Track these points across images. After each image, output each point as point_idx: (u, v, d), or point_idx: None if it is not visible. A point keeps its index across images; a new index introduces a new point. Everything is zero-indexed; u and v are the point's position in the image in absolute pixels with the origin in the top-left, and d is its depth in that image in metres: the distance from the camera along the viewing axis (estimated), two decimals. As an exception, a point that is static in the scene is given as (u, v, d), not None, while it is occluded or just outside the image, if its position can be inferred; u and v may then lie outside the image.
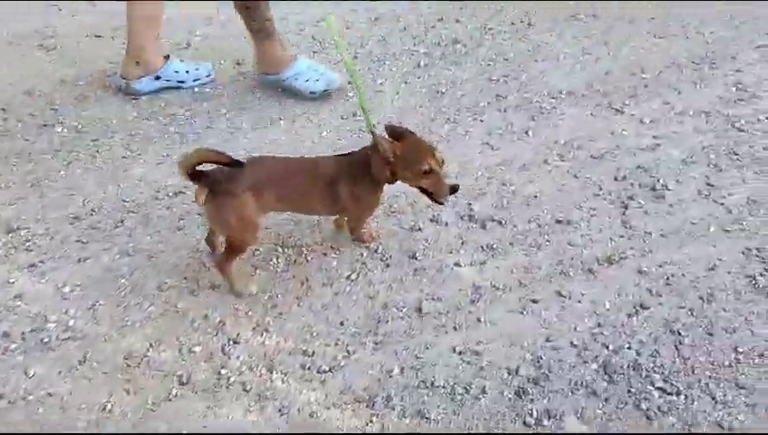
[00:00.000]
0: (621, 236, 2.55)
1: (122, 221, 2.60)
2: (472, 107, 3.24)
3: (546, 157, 2.92)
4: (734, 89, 3.32)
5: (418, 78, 3.46)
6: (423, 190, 2.28)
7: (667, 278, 2.39)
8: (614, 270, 2.43)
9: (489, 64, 3.55)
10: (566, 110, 3.21)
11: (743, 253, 2.48)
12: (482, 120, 3.15)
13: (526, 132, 3.07)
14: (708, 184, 2.77)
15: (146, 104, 3.28)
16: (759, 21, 3.87)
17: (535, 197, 2.72)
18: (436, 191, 2.25)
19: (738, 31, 3.78)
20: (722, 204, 2.68)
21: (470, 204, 2.68)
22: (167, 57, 3.30)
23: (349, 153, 2.33)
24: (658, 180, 2.78)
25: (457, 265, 2.44)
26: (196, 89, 3.37)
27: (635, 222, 2.60)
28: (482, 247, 2.50)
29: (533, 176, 2.83)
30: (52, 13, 4.03)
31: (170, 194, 2.72)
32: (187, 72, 3.33)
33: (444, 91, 3.36)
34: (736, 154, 2.92)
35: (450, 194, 2.26)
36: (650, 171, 2.83)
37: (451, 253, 2.48)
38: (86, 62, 3.58)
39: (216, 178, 2.15)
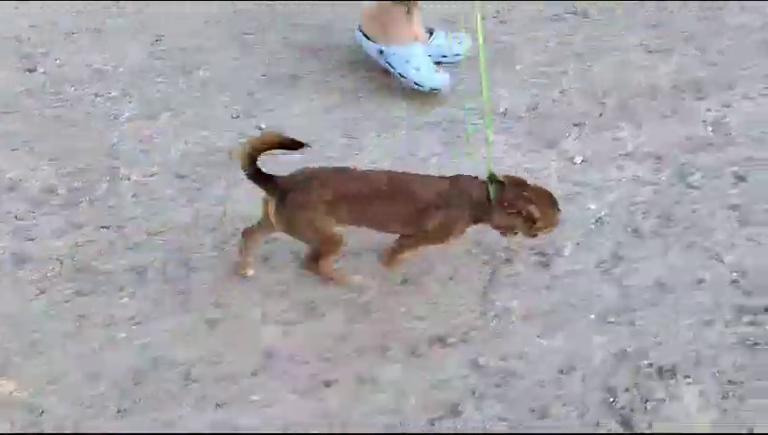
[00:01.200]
0: (472, 311, 2.11)
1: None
2: (384, 121, 2.79)
3: (433, 194, 2.46)
4: (710, 129, 2.71)
5: (342, 77, 3.02)
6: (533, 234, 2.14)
7: (505, 377, 1.95)
8: (444, 356, 2.01)
9: (431, 68, 3.05)
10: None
11: (616, 355, 1.99)
12: (385, 137, 2.71)
13: (427, 160, 2.61)
14: (616, 255, 2.26)
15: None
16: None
17: (394, 246, 2.29)
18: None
19: (755, 50, 3.08)
20: (621, 284, 2.17)
21: (315, 244, 2.29)
22: None
23: (454, 178, 2.13)
24: (554, 242, 2.29)
25: (263, 322, 2.09)
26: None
27: (497, 295, 2.15)
28: (301, 303, 2.13)
29: (407, 217, 2.39)
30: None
31: None
32: None
33: (361, 96, 2.92)
34: (670, 219, 2.37)
35: None
36: (551, 228, 2.33)
37: (258, 306, 2.12)
38: None
39: (285, 186, 1.99)
